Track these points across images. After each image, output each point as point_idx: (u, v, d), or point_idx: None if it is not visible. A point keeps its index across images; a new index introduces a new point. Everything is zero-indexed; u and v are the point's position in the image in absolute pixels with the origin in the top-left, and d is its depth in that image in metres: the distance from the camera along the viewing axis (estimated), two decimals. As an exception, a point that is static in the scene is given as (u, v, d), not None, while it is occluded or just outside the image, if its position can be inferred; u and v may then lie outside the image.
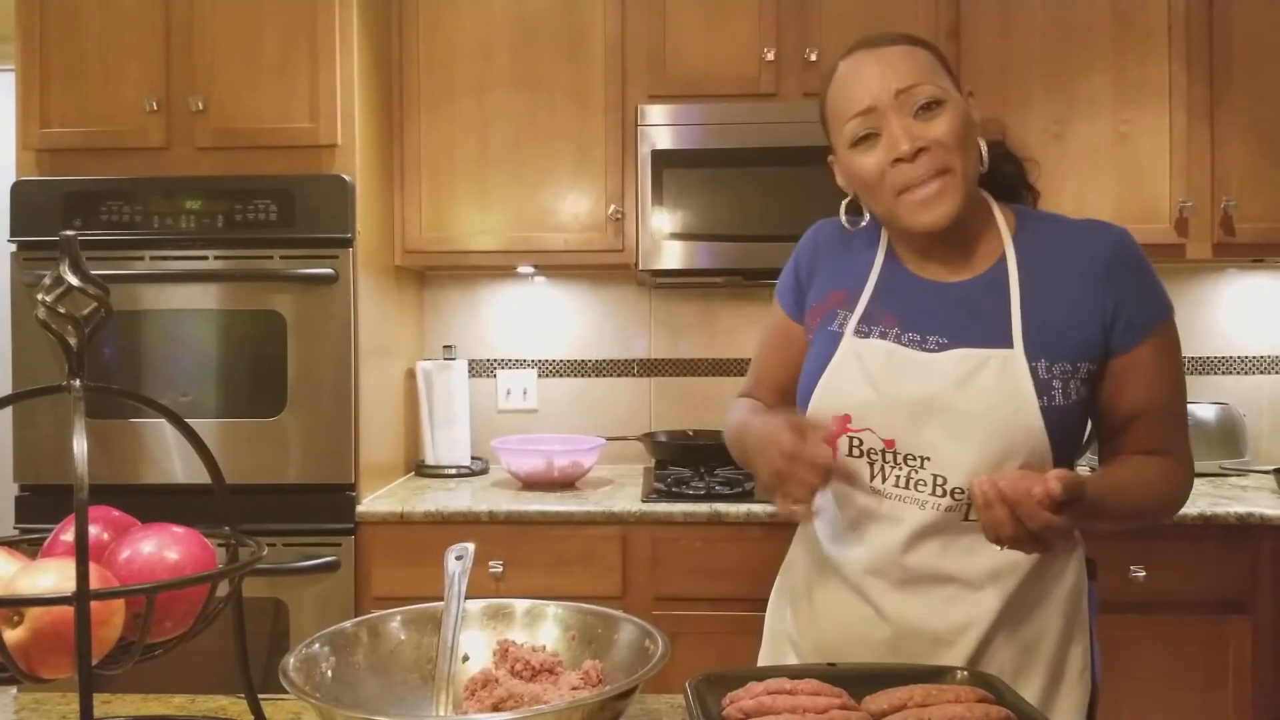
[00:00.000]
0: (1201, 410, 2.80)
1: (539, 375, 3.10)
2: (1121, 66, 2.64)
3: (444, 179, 2.73)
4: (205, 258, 2.41)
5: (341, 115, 2.43)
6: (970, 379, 1.19)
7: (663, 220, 2.62)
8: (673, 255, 2.62)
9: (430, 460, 2.86)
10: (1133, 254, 1.23)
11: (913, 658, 1.21)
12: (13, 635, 0.77)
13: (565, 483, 2.67)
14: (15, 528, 2.45)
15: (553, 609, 1.14)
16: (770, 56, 2.66)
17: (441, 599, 1.04)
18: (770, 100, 2.67)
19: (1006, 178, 1.35)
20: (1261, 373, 3.00)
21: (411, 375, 2.92)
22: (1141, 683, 2.32)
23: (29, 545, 0.93)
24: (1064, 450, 1.20)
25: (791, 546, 1.44)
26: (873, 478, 1.23)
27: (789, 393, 1.37)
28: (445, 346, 2.99)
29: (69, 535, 0.88)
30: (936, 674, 1.04)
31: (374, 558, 2.41)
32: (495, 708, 0.98)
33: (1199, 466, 2.71)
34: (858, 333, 1.27)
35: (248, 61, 2.45)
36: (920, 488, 1.20)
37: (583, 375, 3.11)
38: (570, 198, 2.71)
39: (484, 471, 2.93)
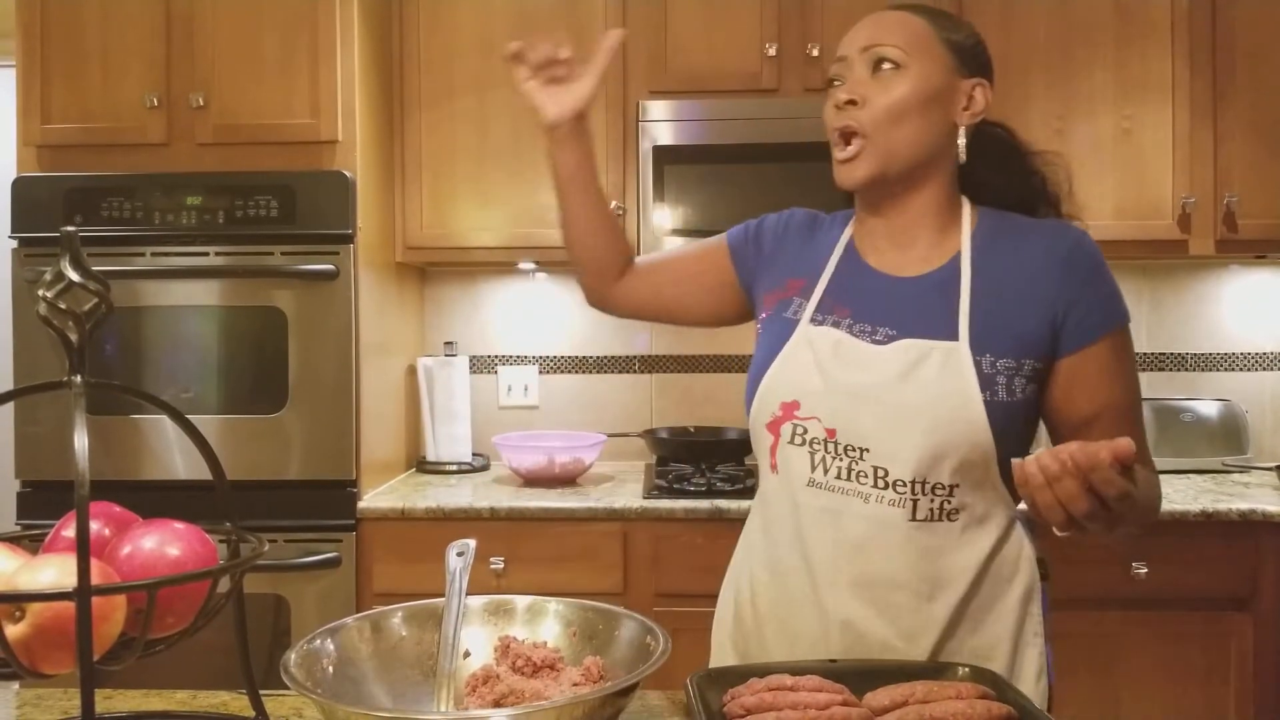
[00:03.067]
0: (1204, 407, 2.80)
1: (540, 371, 3.10)
2: (1124, 62, 2.63)
3: (445, 175, 2.73)
4: (206, 254, 2.41)
5: (342, 111, 2.43)
6: (913, 370, 1.18)
7: (664, 216, 2.62)
8: (674, 251, 2.62)
9: (431, 456, 2.86)
10: (1089, 255, 1.22)
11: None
12: (14, 631, 0.77)
13: (566, 479, 2.67)
14: (17, 523, 2.45)
15: (554, 605, 1.14)
16: (772, 52, 2.65)
17: (443, 595, 1.04)
18: (772, 96, 2.66)
19: (1030, 190, 1.34)
20: (1264, 369, 3.00)
21: (412, 372, 2.92)
22: (1143, 679, 2.32)
23: (30, 541, 0.93)
24: (1008, 449, 1.16)
25: (735, 552, 1.40)
26: (814, 469, 1.21)
27: (658, 274, 1.47)
28: (446, 343, 2.99)
29: (70, 531, 0.88)
30: (938, 670, 1.04)
31: (375, 554, 2.41)
32: (496, 704, 0.98)
33: (1202, 463, 2.75)
34: (812, 321, 1.27)
35: (249, 58, 2.45)
36: (862, 479, 1.18)
37: (584, 372, 3.10)
38: (571, 194, 2.70)
39: (485, 468, 2.93)
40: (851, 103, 1.22)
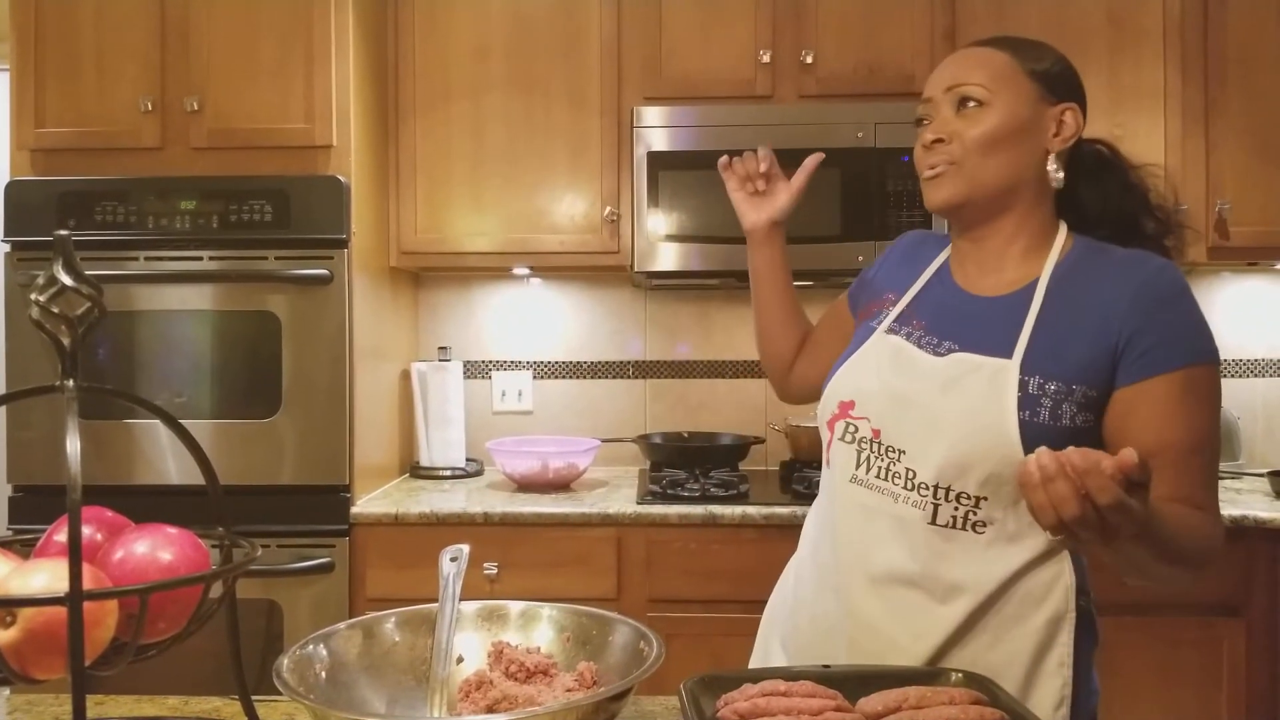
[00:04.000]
0: (1196, 413, 2.80)
1: (534, 377, 3.10)
2: (1116, 70, 2.64)
3: (439, 180, 2.73)
4: (200, 258, 2.41)
5: (337, 116, 2.43)
6: (957, 381, 1.20)
7: (658, 222, 2.62)
8: (668, 257, 2.62)
9: (425, 462, 2.86)
10: (1166, 286, 1.17)
11: (867, 657, 1.21)
12: (5, 636, 0.77)
13: (560, 484, 2.67)
14: (8, 528, 2.44)
15: (547, 611, 1.13)
16: (766, 59, 2.66)
17: (436, 600, 1.04)
18: (766, 102, 2.67)
19: (1133, 203, 1.33)
20: (1256, 376, 3.01)
21: (406, 377, 2.92)
22: (1136, 684, 2.32)
23: (22, 546, 0.93)
24: None
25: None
26: (858, 465, 1.26)
27: (813, 345, 1.58)
28: (440, 348, 2.99)
29: (62, 536, 0.87)
30: (931, 676, 1.04)
31: (368, 559, 2.41)
32: (490, 709, 0.98)
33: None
34: (889, 330, 1.33)
35: (243, 62, 2.45)
36: (895, 479, 1.22)
37: (578, 377, 3.10)
38: (566, 199, 2.71)
39: (479, 473, 2.92)
40: (940, 140, 1.27)
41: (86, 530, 0.89)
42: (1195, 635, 2.33)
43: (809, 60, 2.65)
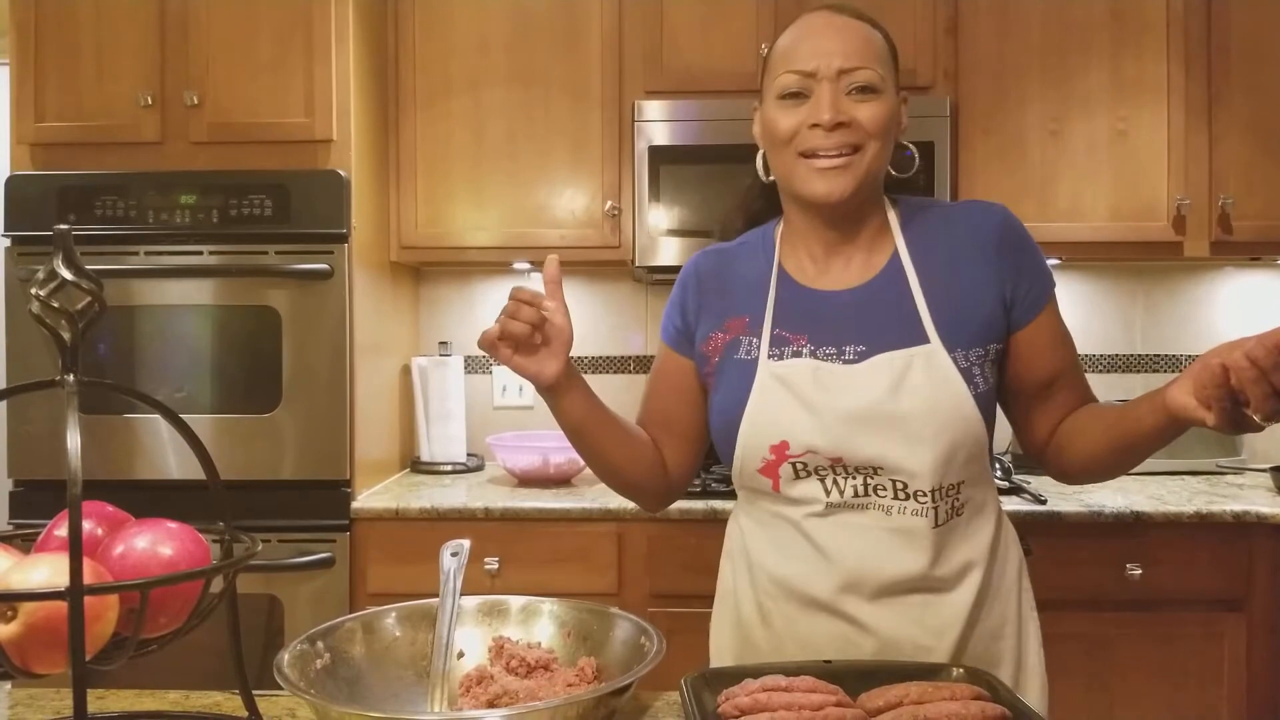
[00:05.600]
0: (1197, 408, 2.80)
1: (535, 372, 3.09)
2: (1119, 64, 2.64)
3: (440, 175, 2.72)
4: (200, 253, 2.40)
5: (337, 111, 2.43)
6: (901, 382, 1.18)
7: (659, 216, 2.62)
8: (669, 251, 2.62)
9: (425, 457, 2.86)
10: (1018, 230, 1.26)
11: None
12: (6, 630, 0.77)
13: (561, 479, 2.67)
14: (9, 523, 2.45)
15: (548, 606, 1.13)
16: (768, 52, 2.65)
17: (437, 595, 1.04)
18: (767, 97, 2.66)
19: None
20: (1257, 371, 3.00)
21: (407, 371, 2.92)
22: (1137, 680, 2.32)
23: (23, 540, 0.93)
24: (990, 436, 1.22)
25: (722, 576, 1.38)
26: (828, 493, 1.20)
27: (673, 424, 1.37)
28: (441, 343, 2.99)
29: (63, 530, 0.87)
30: (932, 671, 1.04)
31: (369, 554, 2.41)
32: (490, 704, 0.98)
33: (1196, 464, 2.76)
34: (771, 357, 1.24)
35: (243, 56, 2.44)
36: (880, 492, 1.19)
37: (585, 371, 3.09)
38: (567, 194, 2.71)
39: (479, 468, 2.92)
40: (842, 125, 1.19)
41: (87, 525, 0.89)
42: (1196, 631, 2.32)
43: (810, 54, 2.63)
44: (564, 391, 1.26)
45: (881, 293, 1.24)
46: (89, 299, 0.80)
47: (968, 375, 1.19)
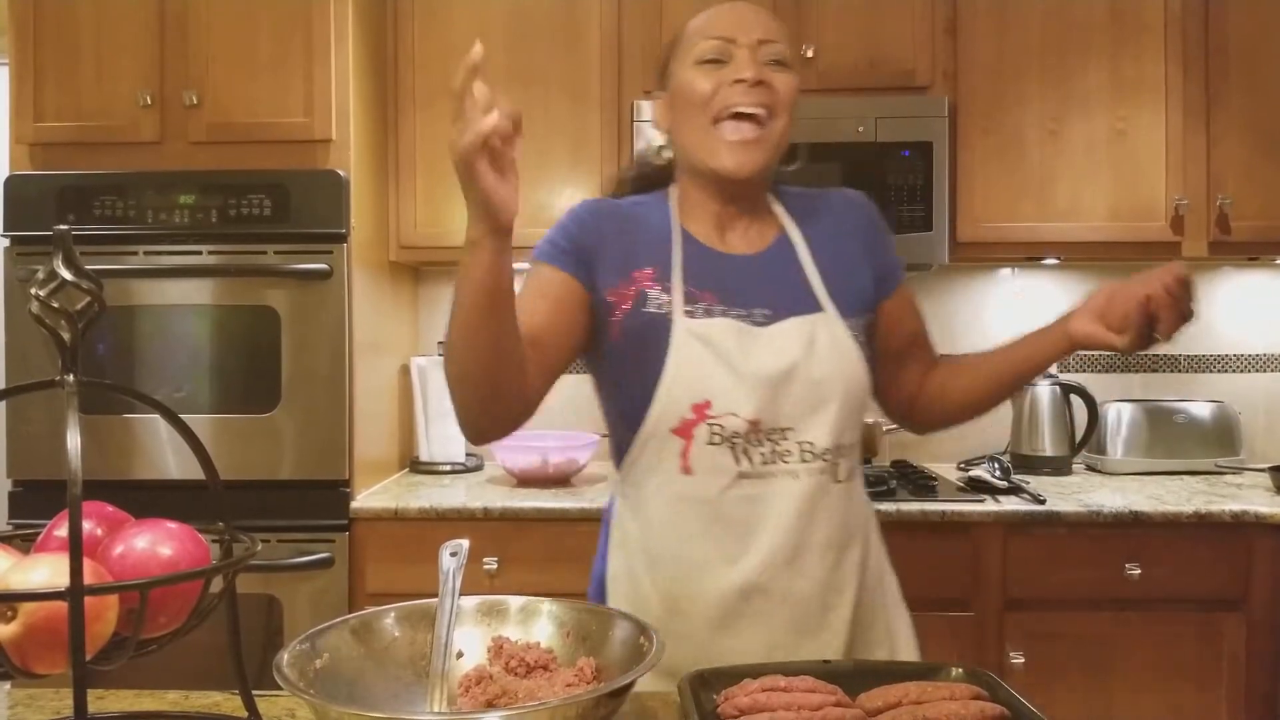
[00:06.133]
0: (1197, 408, 2.81)
1: (534, 371, 3.09)
2: (1118, 64, 2.64)
3: (439, 174, 2.72)
4: (199, 253, 2.40)
5: (336, 110, 2.43)
6: (812, 346, 1.24)
7: (658, 217, 2.62)
8: (668, 252, 2.62)
9: (424, 456, 2.86)
10: (877, 213, 1.42)
11: (803, 630, 1.24)
12: (6, 631, 0.77)
13: (560, 479, 2.67)
14: (9, 523, 2.45)
15: (547, 606, 1.13)
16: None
17: (436, 595, 1.04)
18: (766, 97, 2.66)
19: None
20: (1257, 371, 3.01)
21: (406, 371, 2.92)
22: (1135, 679, 2.32)
23: (22, 541, 0.93)
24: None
25: (610, 553, 1.38)
26: (738, 461, 1.22)
27: (542, 340, 1.24)
28: (440, 342, 2.98)
29: (62, 531, 0.87)
30: (931, 671, 1.04)
31: (368, 554, 2.41)
32: (489, 704, 0.98)
33: (1195, 464, 2.76)
34: (687, 314, 1.24)
35: (242, 56, 2.44)
36: (787, 458, 1.23)
37: (577, 371, 3.09)
38: (565, 193, 2.70)
39: (478, 468, 2.92)
40: (762, 83, 1.25)
41: (87, 525, 0.88)
42: (1195, 630, 2.33)
43: (810, 54, 2.64)
44: (505, 237, 1.05)
45: (777, 261, 1.31)
46: (89, 299, 0.80)
47: (861, 344, 1.28)
